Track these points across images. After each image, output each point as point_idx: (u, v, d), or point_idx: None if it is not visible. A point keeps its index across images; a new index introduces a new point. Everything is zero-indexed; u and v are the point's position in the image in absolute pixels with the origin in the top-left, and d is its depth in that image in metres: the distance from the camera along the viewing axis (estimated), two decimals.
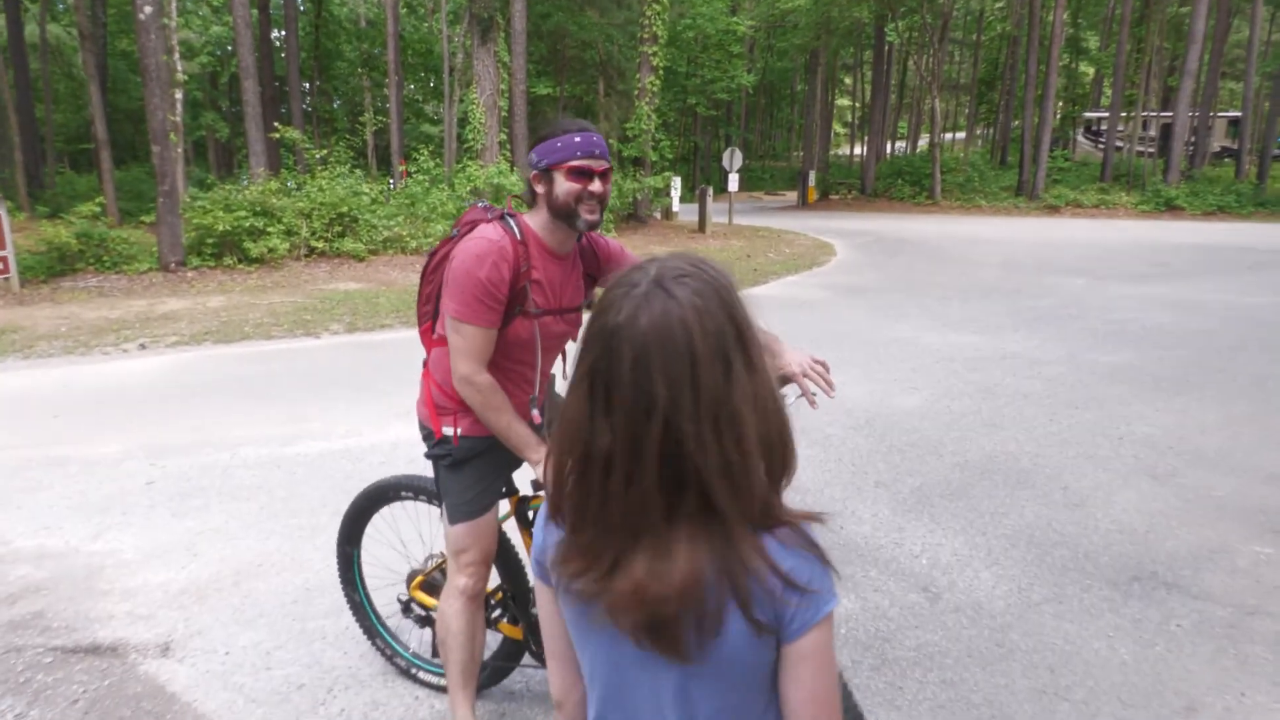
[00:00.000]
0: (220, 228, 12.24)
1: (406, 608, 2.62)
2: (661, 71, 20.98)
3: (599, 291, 2.29)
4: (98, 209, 12.32)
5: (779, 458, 0.92)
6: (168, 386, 6.34)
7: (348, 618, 2.90)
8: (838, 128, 59.17)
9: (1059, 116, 38.36)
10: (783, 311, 9.69)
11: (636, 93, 20.91)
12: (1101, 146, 32.72)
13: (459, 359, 2.00)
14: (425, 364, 2.23)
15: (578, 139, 1.96)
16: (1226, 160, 32.72)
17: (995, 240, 18.04)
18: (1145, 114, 30.63)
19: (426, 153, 17.33)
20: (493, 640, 2.60)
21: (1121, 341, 7.85)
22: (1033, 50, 27.88)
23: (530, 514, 2.37)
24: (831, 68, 42.04)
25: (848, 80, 53.91)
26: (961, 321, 8.93)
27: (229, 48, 28.19)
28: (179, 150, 16.00)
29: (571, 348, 2.31)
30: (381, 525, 2.84)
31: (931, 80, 29.87)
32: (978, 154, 38.74)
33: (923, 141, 44.79)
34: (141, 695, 2.63)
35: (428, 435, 2.21)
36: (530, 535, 2.38)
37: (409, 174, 17.51)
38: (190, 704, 2.59)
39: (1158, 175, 26.73)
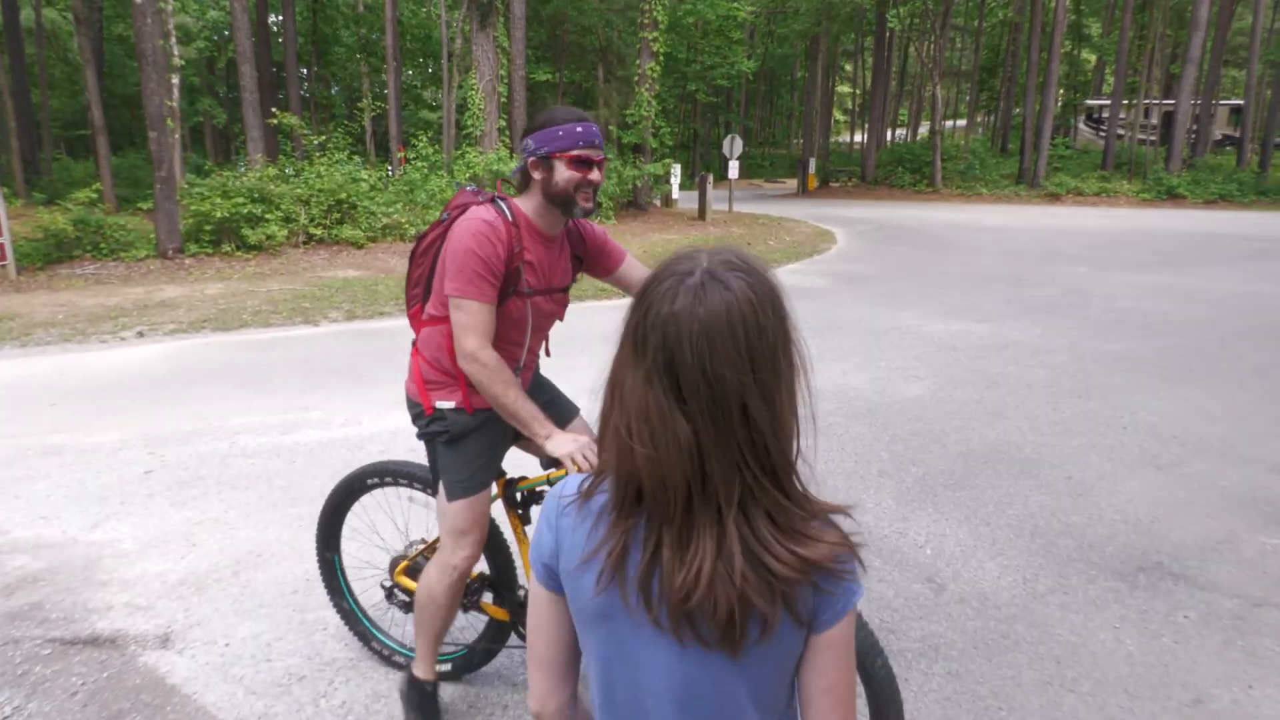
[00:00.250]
0: (218, 214, 12.15)
1: (390, 594, 2.61)
2: (661, 57, 20.82)
3: (631, 276, 2.30)
4: (95, 195, 12.21)
5: (796, 448, 0.94)
6: (166, 375, 6.30)
7: None
8: (838, 115, 58.91)
9: (1060, 104, 38.22)
10: None
11: (636, 79, 20.77)
12: (1103, 134, 32.61)
13: (465, 335, 2.01)
14: (414, 344, 2.25)
15: (579, 129, 2.01)
16: (1228, 149, 32.64)
17: (996, 228, 17.98)
18: (1147, 102, 30.51)
19: (425, 139, 17.23)
20: (478, 621, 2.59)
21: (1124, 330, 7.82)
22: (1034, 37, 27.72)
23: (518, 496, 2.34)
24: (832, 54, 41.75)
25: (848, 67, 53.65)
26: (963, 310, 8.89)
27: (226, 33, 27.97)
28: (176, 136, 15.90)
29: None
30: (356, 523, 2.85)
31: (933, 67, 29.68)
32: (979, 141, 38.54)
33: (923, 129, 44.57)
34: (141, 687, 2.61)
35: (418, 414, 2.22)
36: (518, 518, 2.38)
37: (408, 160, 17.41)
38: (190, 696, 2.57)
39: (1159, 163, 26.61)
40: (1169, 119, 27.91)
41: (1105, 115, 32.75)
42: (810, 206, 24.97)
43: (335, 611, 2.80)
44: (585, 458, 1.95)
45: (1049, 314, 8.63)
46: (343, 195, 13.77)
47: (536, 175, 2.05)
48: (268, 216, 12.67)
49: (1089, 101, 40.55)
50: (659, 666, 0.96)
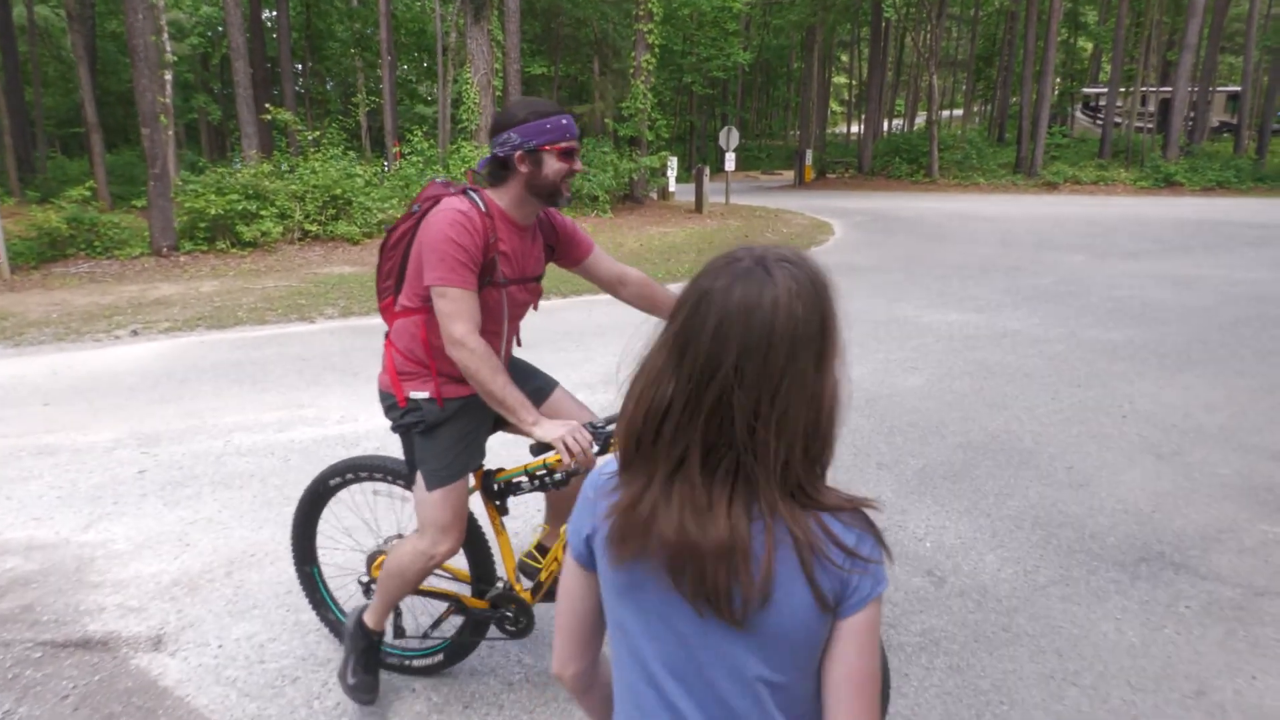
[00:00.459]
0: (212, 211, 12.11)
1: (368, 590, 2.58)
2: (657, 50, 20.75)
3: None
4: (88, 193, 12.17)
5: (817, 448, 0.96)
6: (160, 373, 6.26)
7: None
8: (834, 106, 58.78)
9: (1057, 93, 38.09)
10: None
11: (632, 71, 20.70)
12: (1100, 123, 32.49)
13: (452, 323, 2.01)
14: (387, 336, 2.26)
15: (564, 121, 2.06)
16: (1225, 135, 32.58)
17: (994, 218, 17.93)
18: (1144, 89, 30.41)
19: (420, 134, 17.17)
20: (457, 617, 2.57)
21: (1122, 318, 7.79)
22: (1031, 25, 27.62)
23: (496, 487, 2.32)
24: (828, 45, 41.64)
25: (844, 58, 53.51)
26: (961, 300, 8.86)
27: (219, 28, 27.85)
28: (170, 133, 15.81)
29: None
30: (330, 530, 2.84)
31: (929, 57, 29.60)
32: (975, 131, 38.50)
33: (920, 119, 44.43)
34: (133, 690, 2.58)
35: (391, 406, 2.22)
36: (496, 509, 2.37)
37: (403, 155, 17.36)
38: (182, 699, 2.54)
39: (1156, 151, 26.52)
40: (1166, 106, 27.86)
41: (1102, 103, 32.62)
42: (807, 198, 24.90)
43: (322, 624, 2.77)
44: (575, 440, 1.94)
45: (1047, 303, 8.59)
46: (338, 191, 13.72)
47: (523, 168, 2.07)
48: (263, 213, 12.62)
49: (1086, 90, 40.44)
50: (679, 642, 0.99)
